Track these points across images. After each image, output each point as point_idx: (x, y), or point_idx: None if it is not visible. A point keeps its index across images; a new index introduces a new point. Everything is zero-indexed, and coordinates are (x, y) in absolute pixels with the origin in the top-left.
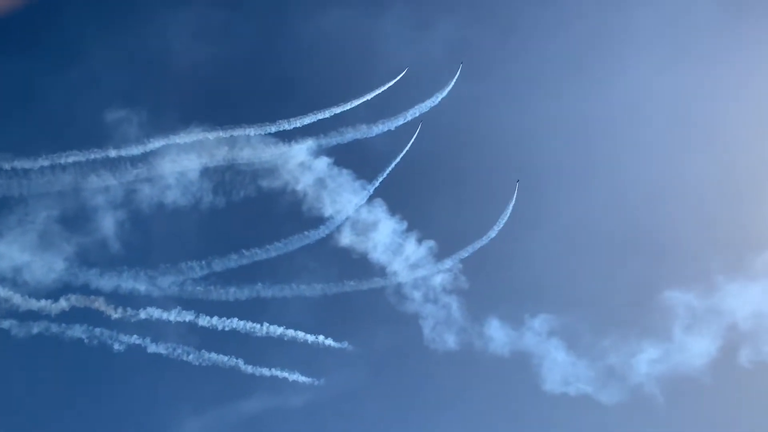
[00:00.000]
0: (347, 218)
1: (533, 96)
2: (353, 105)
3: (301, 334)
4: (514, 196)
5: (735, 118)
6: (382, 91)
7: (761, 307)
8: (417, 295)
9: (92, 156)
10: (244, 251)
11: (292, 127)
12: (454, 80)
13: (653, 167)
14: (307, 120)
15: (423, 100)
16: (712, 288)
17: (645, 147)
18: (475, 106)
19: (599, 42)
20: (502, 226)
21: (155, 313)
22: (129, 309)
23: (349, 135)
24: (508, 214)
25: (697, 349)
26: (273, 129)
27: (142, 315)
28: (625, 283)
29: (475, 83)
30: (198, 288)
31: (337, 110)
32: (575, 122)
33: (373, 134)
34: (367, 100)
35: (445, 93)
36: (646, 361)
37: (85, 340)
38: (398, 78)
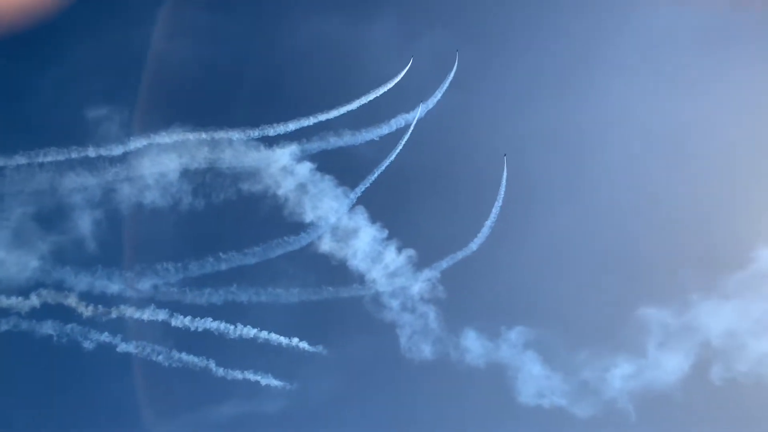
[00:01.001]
0: (329, 226)
1: (519, 109)
2: (342, 111)
3: (274, 336)
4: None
5: (713, 139)
6: (372, 96)
7: (733, 326)
8: (395, 303)
9: (71, 154)
10: (221, 254)
11: (275, 133)
12: (443, 89)
13: (631, 185)
14: (292, 126)
15: (409, 110)
16: (687, 306)
17: (623, 165)
18: (460, 116)
19: (586, 57)
20: (487, 233)
21: (128, 311)
22: (101, 307)
23: (334, 141)
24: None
25: (670, 365)
26: (256, 133)
27: (114, 313)
28: (601, 298)
29: (462, 94)
30: (173, 289)
31: (323, 117)
32: (557, 138)
33: (359, 142)
34: (355, 105)
35: (433, 102)
36: (620, 376)
37: (55, 337)
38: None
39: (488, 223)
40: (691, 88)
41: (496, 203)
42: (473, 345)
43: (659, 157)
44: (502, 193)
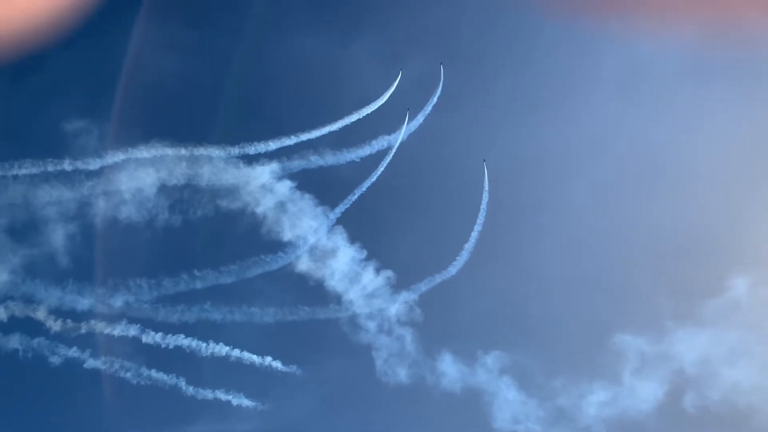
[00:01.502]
0: (308, 247)
1: (500, 134)
2: (324, 131)
3: (246, 355)
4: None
5: (690, 167)
6: (358, 116)
7: (707, 354)
8: (371, 325)
9: (47, 166)
10: (196, 271)
11: (256, 151)
12: (427, 111)
13: (608, 212)
14: (273, 145)
15: (392, 131)
16: (662, 333)
17: (601, 192)
18: (443, 139)
19: (568, 82)
20: (466, 256)
21: (98, 326)
22: (70, 321)
23: (315, 160)
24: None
25: (645, 393)
26: (236, 151)
27: (84, 328)
28: (578, 324)
29: (446, 116)
30: (145, 305)
31: (305, 137)
32: (536, 163)
33: (340, 162)
34: (336, 126)
35: (416, 124)
36: (595, 403)
37: (21, 352)
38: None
39: (467, 246)
40: (669, 115)
41: (476, 225)
42: (449, 369)
43: (637, 185)
44: (485, 205)
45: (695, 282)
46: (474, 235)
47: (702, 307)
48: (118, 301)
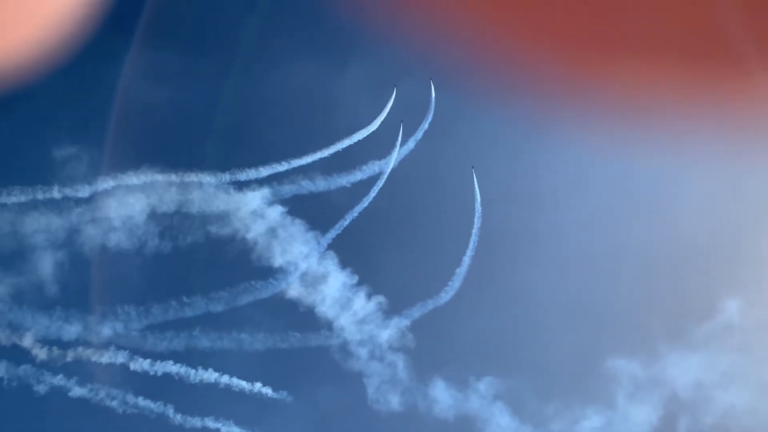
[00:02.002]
0: (299, 273)
1: (492, 160)
2: (316, 157)
3: (236, 381)
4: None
5: (680, 191)
6: (350, 141)
7: (701, 377)
8: (363, 351)
9: (36, 194)
10: (185, 298)
11: (247, 178)
12: (418, 137)
13: (599, 237)
14: (264, 172)
15: (382, 157)
16: (655, 357)
17: (592, 217)
18: (435, 164)
19: (556, 105)
20: (458, 282)
21: (85, 353)
22: (56, 349)
23: (306, 186)
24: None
25: (639, 417)
26: (227, 178)
27: (71, 356)
28: (571, 349)
29: (437, 142)
30: (134, 332)
31: (297, 163)
32: (528, 188)
33: (332, 187)
34: (328, 152)
35: (408, 149)
36: (589, 428)
37: (5, 380)
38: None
39: (459, 271)
40: (659, 140)
41: (468, 250)
42: (442, 395)
43: (627, 208)
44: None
45: (687, 305)
46: (466, 260)
47: (695, 330)
48: (106, 329)
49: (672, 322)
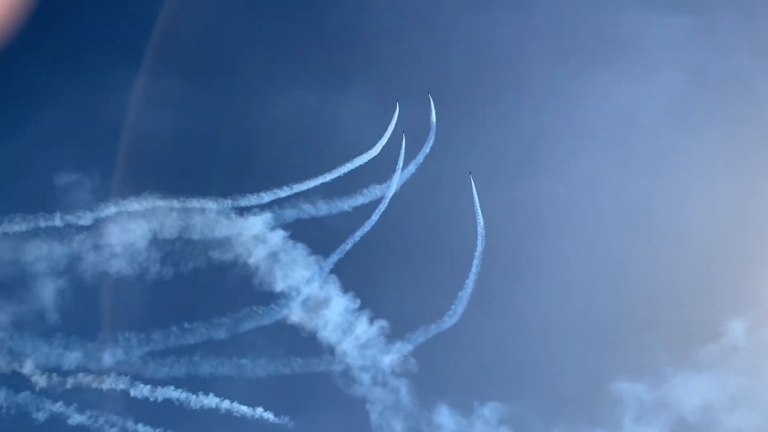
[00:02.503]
0: (300, 298)
1: (492, 183)
2: (317, 182)
3: (237, 406)
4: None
5: (683, 212)
6: (352, 165)
7: (707, 399)
8: (365, 377)
9: (38, 221)
10: (186, 324)
11: (249, 204)
12: (419, 161)
13: (603, 259)
14: (266, 198)
15: (384, 181)
16: (661, 379)
17: (596, 239)
18: (436, 188)
19: (556, 132)
20: (461, 306)
21: (85, 380)
22: (56, 376)
23: (308, 210)
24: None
25: None
26: (229, 203)
27: (71, 383)
28: (575, 372)
29: (439, 165)
30: (134, 359)
31: (298, 188)
32: (530, 212)
33: (334, 211)
34: (330, 177)
35: (409, 173)
36: None
37: (4, 408)
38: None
39: (462, 295)
40: (661, 162)
41: (471, 274)
42: (446, 421)
43: (631, 231)
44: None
45: (692, 327)
46: (469, 283)
47: (700, 352)
48: (107, 356)
49: (677, 343)
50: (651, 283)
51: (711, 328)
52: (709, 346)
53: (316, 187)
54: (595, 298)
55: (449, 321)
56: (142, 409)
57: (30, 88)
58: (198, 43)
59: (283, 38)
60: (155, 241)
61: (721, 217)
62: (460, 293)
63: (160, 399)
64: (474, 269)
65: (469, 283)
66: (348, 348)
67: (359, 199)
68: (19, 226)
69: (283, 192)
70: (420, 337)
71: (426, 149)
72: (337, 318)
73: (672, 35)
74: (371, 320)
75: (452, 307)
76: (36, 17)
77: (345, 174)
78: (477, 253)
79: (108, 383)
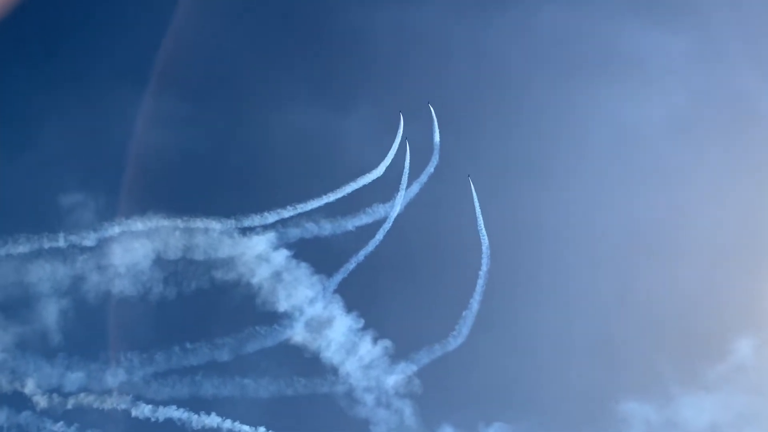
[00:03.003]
0: (304, 320)
1: (498, 201)
2: (322, 202)
3: (239, 426)
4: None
5: (690, 231)
6: (357, 185)
7: (715, 419)
8: (369, 398)
9: (42, 242)
10: (188, 345)
11: (252, 224)
12: (423, 180)
13: (610, 278)
14: (270, 218)
15: (387, 200)
16: (668, 399)
17: (602, 257)
18: (441, 207)
19: (560, 150)
20: (466, 325)
21: (86, 400)
22: (57, 396)
23: (312, 229)
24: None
25: None
26: (233, 224)
27: (72, 402)
28: (581, 392)
29: (443, 184)
30: (137, 379)
31: (302, 208)
32: (535, 230)
33: (337, 231)
34: (334, 197)
35: (414, 192)
36: None
37: (4, 429)
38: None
39: (467, 315)
40: (666, 179)
41: (476, 293)
42: None
43: (638, 249)
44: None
45: (699, 346)
46: (473, 303)
47: (707, 372)
48: (109, 376)
49: (684, 363)
50: (657, 302)
51: (718, 348)
52: (717, 366)
53: (319, 206)
54: (601, 317)
55: (454, 341)
56: (143, 429)
57: (35, 107)
58: (202, 64)
59: (287, 59)
60: (159, 261)
61: (726, 235)
62: (464, 313)
63: (161, 419)
64: (478, 288)
65: (474, 303)
66: (351, 368)
67: (363, 219)
68: (22, 246)
69: (287, 212)
70: (424, 357)
71: (430, 169)
72: (340, 338)
73: (675, 52)
74: (375, 340)
75: (457, 327)
76: (41, 37)
77: (349, 194)
78: (481, 273)
79: (110, 403)
